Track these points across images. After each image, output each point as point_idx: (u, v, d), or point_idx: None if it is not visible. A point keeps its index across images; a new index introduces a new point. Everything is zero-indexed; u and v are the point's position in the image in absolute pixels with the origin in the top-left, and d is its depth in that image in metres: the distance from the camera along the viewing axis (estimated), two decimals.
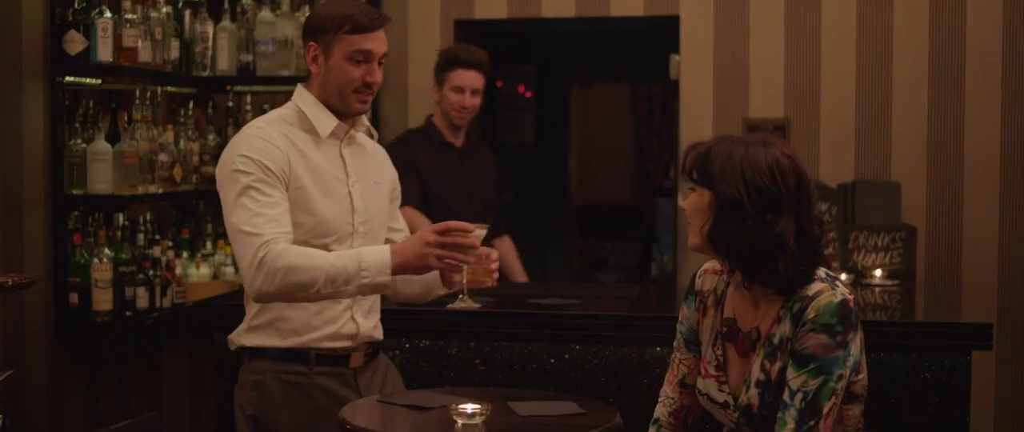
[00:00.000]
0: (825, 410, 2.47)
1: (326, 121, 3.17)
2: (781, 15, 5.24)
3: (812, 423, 2.46)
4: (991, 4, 5.07)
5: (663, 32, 5.58)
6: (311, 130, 3.16)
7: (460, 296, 3.58)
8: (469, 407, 2.56)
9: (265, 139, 3.07)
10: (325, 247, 3.06)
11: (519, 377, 3.83)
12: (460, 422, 2.55)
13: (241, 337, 3.19)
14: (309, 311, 3.11)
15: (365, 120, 3.28)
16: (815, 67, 5.23)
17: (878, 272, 4.74)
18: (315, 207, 3.08)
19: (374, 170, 3.31)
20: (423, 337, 3.98)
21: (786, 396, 2.50)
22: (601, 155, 10.20)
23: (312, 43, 3.16)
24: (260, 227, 2.95)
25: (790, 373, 2.50)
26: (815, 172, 5.16)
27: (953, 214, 5.12)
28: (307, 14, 5.06)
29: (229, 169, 3.03)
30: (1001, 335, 4.86)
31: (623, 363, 3.83)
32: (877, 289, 4.60)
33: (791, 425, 2.46)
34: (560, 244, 9.83)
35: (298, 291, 2.91)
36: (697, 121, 5.34)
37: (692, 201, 2.62)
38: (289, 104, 3.23)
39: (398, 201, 3.44)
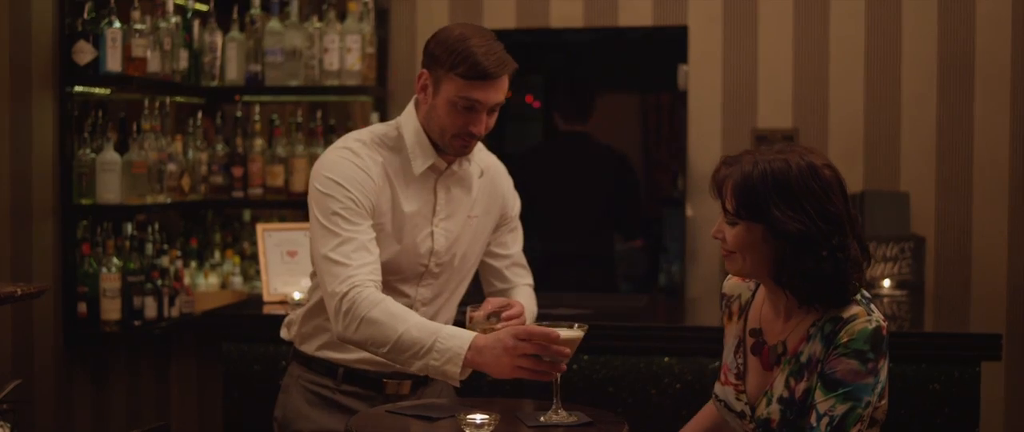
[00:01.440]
0: None
1: (423, 157, 2.99)
2: (790, 25, 5.24)
3: None
4: (1000, 14, 5.06)
5: (671, 42, 5.58)
6: (408, 161, 3.00)
7: (554, 407, 2.77)
8: (478, 417, 2.55)
9: (361, 168, 2.92)
10: (389, 283, 2.96)
11: (527, 387, 3.83)
12: None
13: (292, 333, 3.17)
14: None
15: (477, 154, 3.10)
16: (824, 77, 5.22)
17: (887, 282, 4.73)
18: (386, 248, 2.95)
19: (470, 203, 3.11)
20: None
21: (812, 419, 2.46)
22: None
23: (425, 71, 2.95)
24: (349, 256, 2.81)
25: (818, 396, 2.47)
26: None
27: (962, 224, 5.11)
28: (316, 25, 5.10)
29: (316, 188, 2.91)
30: (1011, 345, 4.85)
31: (631, 374, 3.83)
32: (886, 299, 4.59)
33: None
34: (569, 253, 9.79)
35: (370, 345, 2.78)
36: (705, 131, 5.34)
37: (738, 235, 2.53)
38: (393, 123, 3.05)
39: (511, 224, 3.28)
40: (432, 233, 3.02)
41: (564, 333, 2.70)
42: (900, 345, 3.75)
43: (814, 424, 2.45)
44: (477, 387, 3.90)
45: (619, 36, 5.83)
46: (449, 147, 2.96)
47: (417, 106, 3.01)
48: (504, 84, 2.93)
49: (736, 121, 5.28)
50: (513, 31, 5.59)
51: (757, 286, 2.70)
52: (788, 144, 2.61)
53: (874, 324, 2.47)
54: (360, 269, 2.81)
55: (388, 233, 2.96)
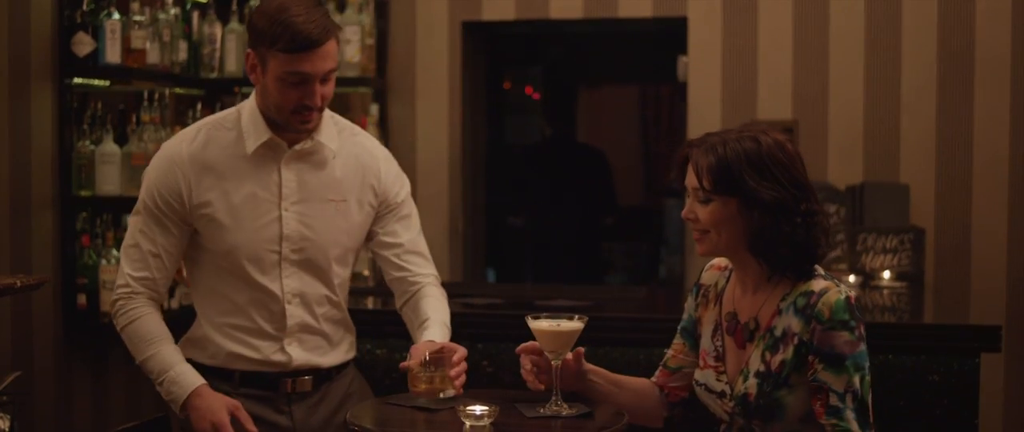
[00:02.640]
0: (869, 401, 2.56)
1: (255, 136, 2.89)
2: (789, 16, 5.24)
3: (868, 415, 2.55)
4: (1000, 6, 5.06)
5: (671, 34, 5.58)
6: (243, 144, 2.92)
7: (553, 398, 2.76)
8: (477, 409, 2.55)
9: (172, 165, 2.91)
10: (247, 276, 2.94)
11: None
12: (468, 423, 2.55)
13: (183, 346, 3.07)
14: (230, 338, 2.99)
15: (326, 133, 2.95)
16: (823, 69, 5.22)
17: (886, 274, 4.73)
18: (223, 234, 2.91)
19: (330, 186, 2.98)
20: None
21: (834, 401, 2.54)
22: (608, 157, 10.20)
23: (250, 51, 2.84)
24: (132, 261, 2.96)
25: (827, 376, 2.54)
26: (823, 174, 5.16)
27: (962, 216, 5.11)
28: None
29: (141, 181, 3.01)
30: (1010, 337, 4.85)
31: (630, 365, 3.82)
32: (885, 291, 4.59)
33: (855, 428, 2.53)
34: (568, 246, 9.80)
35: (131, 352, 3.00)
36: (705, 123, 5.34)
37: (713, 212, 2.61)
38: (236, 106, 2.99)
39: (399, 212, 3.12)
40: (280, 217, 2.92)
41: (565, 325, 2.73)
42: (900, 337, 3.76)
43: (840, 405, 2.53)
44: (476, 379, 3.90)
45: (619, 27, 5.82)
46: (290, 123, 2.85)
47: (254, 90, 2.93)
48: (332, 49, 2.79)
49: (736, 113, 5.28)
50: (513, 22, 5.58)
51: (730, 274, 2.77)
52: (749, 124, 2.73)
53: (844, 294, 2.57)
54: (136, 277, 2.95)
55: (220, 222, 2.91)
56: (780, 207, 2.56)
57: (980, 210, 5.10)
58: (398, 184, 3.16)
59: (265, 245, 2.93)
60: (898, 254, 4.79)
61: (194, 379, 2.89)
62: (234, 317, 2.99)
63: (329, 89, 2.84)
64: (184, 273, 3.17)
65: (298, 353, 3.00)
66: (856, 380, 2.54)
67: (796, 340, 2.56)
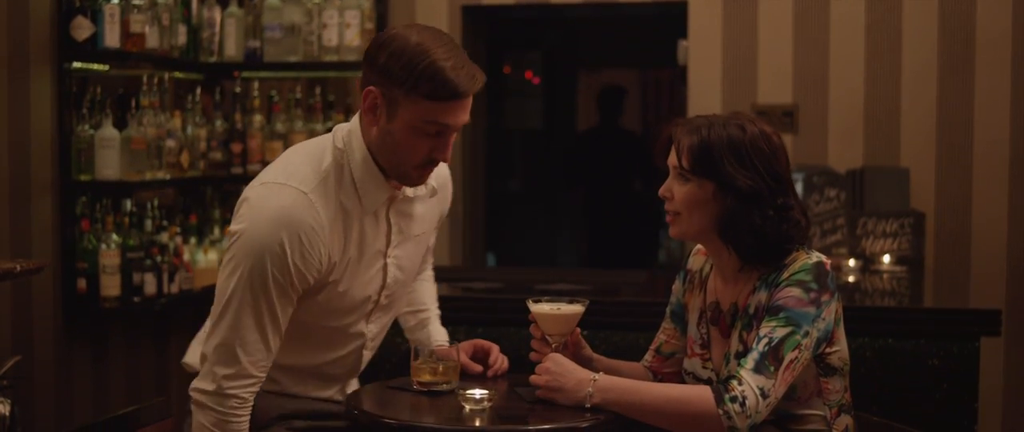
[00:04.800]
0: (786, 360, 2.47)
1: (376, 192, 2.56)
2: (790, 1, 5.22)
3: (771, 367, 2.46)
4: None
5: (671, 18, 5.56)
6: (356, 196, 2.57)
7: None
8: (477, 392, 2.55)
9: (314, 234, 2.47)
10: (335, 327, 2.70)
11: (527, 363, 3.83)
12: (467, 407, 2.55)
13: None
14: (292, 379, 2.74)
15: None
16: (824, 52, 5.21)
17: (886, 258, 4.73)
18: (339, 301, 2.63)
19: (424, 220, 2.76)
20: None
21: (751, 342, 2.52)
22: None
23: (373, 89, 2.45)
24: (250, 354, 2.50)
25: (761, 326, 2.52)
26: (823, 158, 5.15)
27: (962, 200, 5.11)
28: (314, 0, 5.08)
29: (248, 260, 2.45)
30: (1010, 321, 4.85)
31: (631, 349, 3.82)
32: (885, 275, 4.59)
33: (749, 365, 2.47)
34: (568, 231, 9.82)
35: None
36: (705, 107, 5.32)
37: (689, 193, 2.61)
38: (332, 150, 2.55)
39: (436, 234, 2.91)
40: (384, 266, 2.68)
41: (565, 309, 2.73)
42: (899, 320, 3.76)
43: (753, 346, 2.50)
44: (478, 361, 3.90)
45: (619, 11, 5.81)
46: (409, 176, 2.54)
47: (365, 127, 2.53)
48: (470, 101, 2.49)
49: (736, 97, 5.27)
50: (513, 6, 5.57)
51: (713, 262, 2.77)
52: (738, 112, 2.70)
53: (814, 259, 2.56)
54: (261, 369, 2.54)
55: (342, 284, 2.61)
56: (754, 197, 2.55)
57: (980, 194, 5.10)
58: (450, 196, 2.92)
59: (368, 295, 2.69)
60: (898, 238, 4.79)
61: None
62: (303, 358, 2.74)
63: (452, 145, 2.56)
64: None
65: (352, 387, 2.91)
66: (780, 332, 2.48)
67: (763, 311, 2.56)
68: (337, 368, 2.81)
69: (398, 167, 2.53)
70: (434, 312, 3.08)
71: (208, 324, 2.60)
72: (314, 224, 2.48)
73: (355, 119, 2.58)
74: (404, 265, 2.74)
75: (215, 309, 2.55)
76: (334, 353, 2.78)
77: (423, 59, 2.40)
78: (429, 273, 3.09)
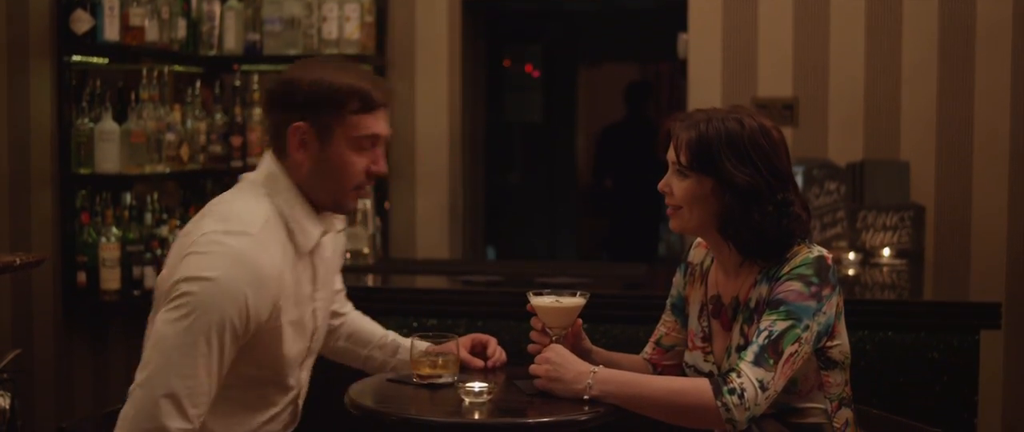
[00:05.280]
0: (785, 353, 2.47)
1: (313, 232, 2.56)
2: None
3: (770, 360, 2.46)
4: None
5: (671, 11, 5.56)
6: (293, 239, 2.55)
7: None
8: (476, 385, 2.56)
9: (267, 282, 2.42)
10: (273, 380, 2.60)
11: (527, 356, 3.83)
12: (467, 400, 2.55)
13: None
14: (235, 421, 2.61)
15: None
16: (824, 45, 5.21)
17: (886, 251, 4.73)
18: (280, 348, 2.55)
19: (333, 262, 2.77)
20: (430, 316, 3.98)
21: (752, 336, 2.51)
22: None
23: (299, 125, 2.48)
24: (197, 406, 2.38)
25: (762, 319, 2.52)
26: (824, 151, 5.15)
27: (962, 193, 5.10)
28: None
29: (207, 308, 2.35)
30: (1010, 314, 4.85)
31: (630, 342, 3.82)
32: (885, 268, 4.59)
33: (749, 358, 2.47)
34: (567, 224, 9.83)
35: None
36: (705, 100, 5.32)
37: (688, 188, 2.61)
38: (265, 197, 2.53)
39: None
40: (314, 311, 2.64)
41: (566, 301, 2.73)
42: (899, 314, 3.77)
43: (753, 339, 2.50)
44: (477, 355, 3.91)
45: (618, 5, 5.81)
46: (347, 204, 2.58)
47: (289, 168, 2.54)
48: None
49: (736, 90, 5.27)
50: (513, 0, 5.56)
51: (714, 256, 2.76)
52: (738, 106, 2.69)
53: (816, 253, 2.56)
54: (198, 419, 2.40)
55: (278, 329, 2.52)
56: (753, 193, 2.55)
57: (980, 187, 5.09)
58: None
59: (300, 346, 2.62)
60: (898, 231, 4.79)
61: None
62: (241, 426, 2.61)
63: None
64: None
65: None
66: (780, 325, 2.48)
67: (764, 304, 2.55)
68: (275, 425, 2.69)
69: (337, 193, 2.55)
70: (394, 333, 3.03)
71: (143, 375, 2.40)
72: (269, 267, 2.44)
73: (267, 165, 2.57)
74: (323, 308, 2.72)
75: (154, 356, 2.39)
76: (271, 410, 2.66)
77: (343, 80, 2.49)
78: (355, 311, 3.07)
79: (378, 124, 2.53)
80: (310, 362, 2.76)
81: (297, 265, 2.56)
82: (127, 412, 2.38)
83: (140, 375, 2.39)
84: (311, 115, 2.48)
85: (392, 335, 3.03)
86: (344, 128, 2.49)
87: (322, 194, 2.55)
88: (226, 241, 2.41)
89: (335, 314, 2.96)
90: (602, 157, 8.95)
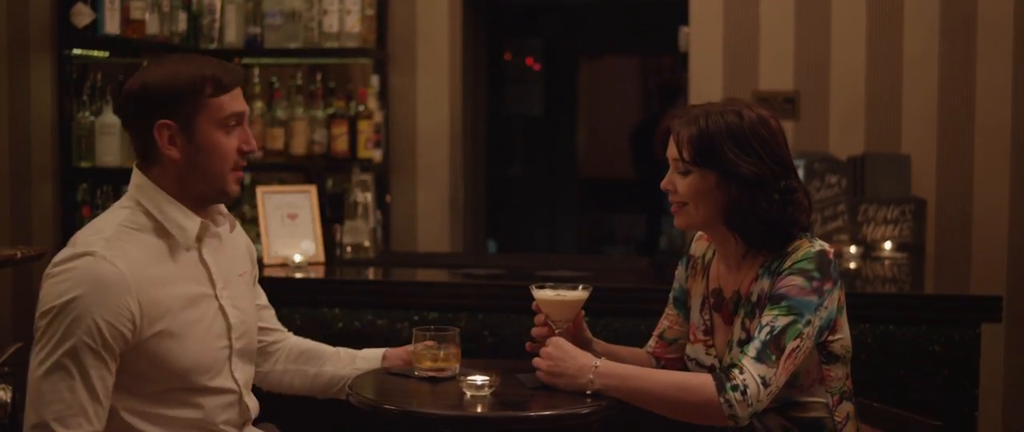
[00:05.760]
0: (788, 349, 2.47)
1: (187, 224, 2.54)
2: None
3: (773, 356, 2.46)
4: None
5: (672, 4, 5.55)
6: (167, 238, 2.53)
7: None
8: (478, 379, 2.55)
9: (115, 288, 2.39)
10: (199, 387, 2.55)
11: (527, 350, 3.84)
12: (469, 393, 2.55)
13: None
14: None
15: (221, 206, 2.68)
16: (825, 39, 5.20)
17: (887, 244, 4.73)
18: (181, 354, 2.50)
19: (236, 260, 2.73)
20: (431, 309, 3.98)
21: (754, 330, 2.52)
22: (610, 128, 10.19)
23: (164, 122, 2.48)
24: (70, 427, 2.38)
25: (764, 314, 2.52)
26: (824, 144, 5.15)
27: (963, 186, 5.10)
28: None
29: (54, 315, 2.38)
30: (1011, 308, 4.85)
31: (632, 336, 3.82)
32: (886, 261, 4.59)
33: (751, 354, 2.47)
34: (568, 217, 9.83)
35: None
36: (706, 93, 5.31)
37: (691, 184, 2.61)
38: (127, 202, 2.56)
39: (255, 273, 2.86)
40: (222, 308, 2.60)
41: (569, 294, 2.73)
42: (900, 307, 3.76)
43: (755, 335, 2.50)
44: (477, 350, 3.91)
45: None
46: (229, 186, 2.57)
47: (153, 174, 2.54)
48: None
49: (737, 83, 5.26)
50: None
51: (715, 249, 2.77)
52: (734, 98, 2.70)
53: (817, 247, 2.56)
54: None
55: (176, 335, 2.49)
56: (758, 183, 2.56)
57: (981, 181, 5.09)
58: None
59: (218, 343, 2.59)
60: (899, 225, 4.79)
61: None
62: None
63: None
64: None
65: None
66: (782, 320, 2.48)
67: (765, 299, 2.56)
68: (228, 428, 2.65)
69: (215, 179, 2.55)
70: (346, 348, 2.97)
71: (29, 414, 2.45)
72: (112, 277, 2.41)
73: (133, 180, 2.58)
74: (241, 305, 2.67)
75: (27, 396, 2.44)
76: (215, 415, 2.61)
77: (192, 70, 2.51)
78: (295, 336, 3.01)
79: (236, 103, 2.54)
80: (246, 364, 2.69)
81: (177, 265, 2.53)
82: None
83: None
84: (172, 111, 2.49)
85: (344, 349, 2.95)
86: (206, 113, 2.51)
87: (201, 185, 2.55)
88: (67, 266, 2.43)
89: (267, 330, 2.89)
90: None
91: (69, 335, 2.39)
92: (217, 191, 2.57)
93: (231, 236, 2.72)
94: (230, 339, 2.61)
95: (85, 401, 2.40)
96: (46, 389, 2.41)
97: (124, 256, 2.44)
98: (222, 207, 2.67)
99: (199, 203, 2.58)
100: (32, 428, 2.42)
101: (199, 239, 2.57)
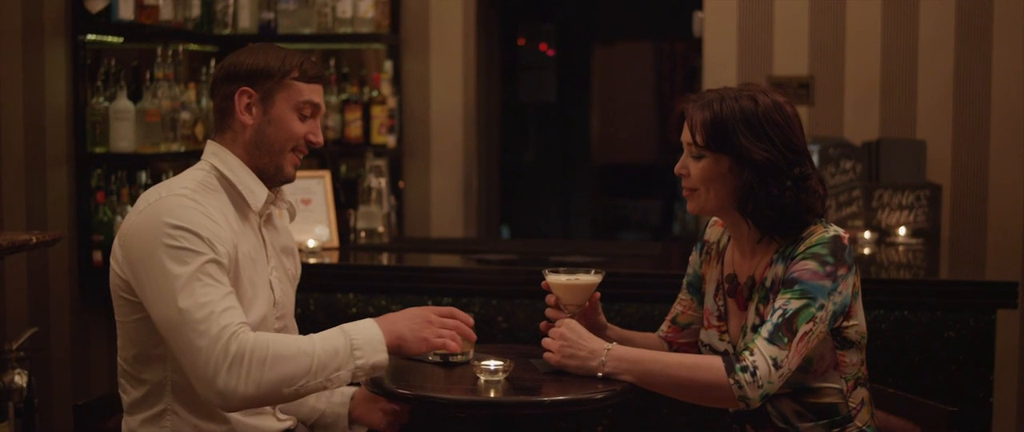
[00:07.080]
0: (800, 332, 2.47)
1: (257, 191, 2.67)
2: None
3: (784, 339, 2.46)
4: None
5: None
6: (239, 202, 2.67)
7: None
8: (491, 363, 2.56)
9: (207, 216, 2.53)
10: None
11: (541, 334, 3.84)
12: (482, 378, 2.55)
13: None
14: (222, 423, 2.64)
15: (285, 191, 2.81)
16: (840, 24, 5.18)
17: (902, 230, 4.71)
18: (248, 305, 2.59)
19: (286, 251, 2.85)
20: (445, 295, 3.98)
21: (766, 314, 2.53)
22: (623, 114, 10.18)
23: (246, 88, 2.64)
24: (222, 316, 2.42)
25: (777, 298, 2.52)
26: (839, 129, 5.13)
27: (978, 172, 5.08)
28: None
29: (162, 243, 2.46)
30: None
31: (645, 321, 3.83)
32: (901, 247, 4.58)
33: (763, 335, 2.47)
34: (581, 203, 9.83)
35: (284, 387, 2.42)
36: (721, 79, 5.30)
37: (704, 168, 2.61)
38: (203, 165, 2.69)
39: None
40: (270, 283, 2.71)
41: (582, 278, 2.73)
42: (915, 293, 3.76)
43: (767, 318, 2.51)
44: (491, 335, 3.91)
45: None
46: (285, 167, 2.69)
47: (227, 140, 2.68)
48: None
49: (752, 68, 5.25)
50: None
51: (730, 234, 2.76)
52: (750, 83, 2.69)
53: (831, 232, 2.56)
54: (232, 313, 2.45)
55: (246, 289, 2.60)
56: (771, 168, 2.55)
57: (997, 166, 5.07)
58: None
59: (264, 312, 2.66)
60: (914, 210, 4.78)
61: (363, 321, 2.57)
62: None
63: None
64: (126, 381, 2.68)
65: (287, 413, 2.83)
66: (795, 304, 2.48)
67: (779, 284, 2.56)
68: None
69: (277, 157, 2.68)
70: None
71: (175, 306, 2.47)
72: (203, 212, 2.54)
73: (208, 148, 2.71)
74: (283, 287, 2.78)
75: (166, 313, 2.47)
76: None
77: (284, 52, 2.69)
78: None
79: (315, 94, 2.69)
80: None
81: (244, 228, 2.67)
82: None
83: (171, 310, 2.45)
84: (256, 82, 2.65)
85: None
86: (286, 93, 2.66)
87: (264, 157, 2.68)
88: (153, 202, 2.56)
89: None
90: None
91: (194, 249, 2.49)
92: (275, 167, 2.69)
93: (285, 229, 2.87)
94: (271, 313, 2.70)
95: (229, 297, 2.49)
96: (197, 290, 2.46)
97: (208, 205, 2.58)
98: (284, 193, 2.80)
99: (263, 178, 2.70)
100: (197, 320, 2.43)
101: (261, 214, 2.72)
